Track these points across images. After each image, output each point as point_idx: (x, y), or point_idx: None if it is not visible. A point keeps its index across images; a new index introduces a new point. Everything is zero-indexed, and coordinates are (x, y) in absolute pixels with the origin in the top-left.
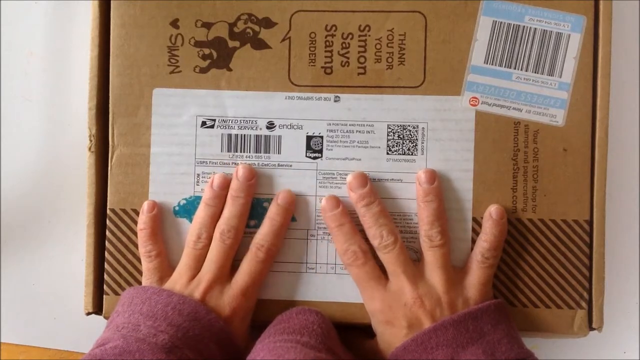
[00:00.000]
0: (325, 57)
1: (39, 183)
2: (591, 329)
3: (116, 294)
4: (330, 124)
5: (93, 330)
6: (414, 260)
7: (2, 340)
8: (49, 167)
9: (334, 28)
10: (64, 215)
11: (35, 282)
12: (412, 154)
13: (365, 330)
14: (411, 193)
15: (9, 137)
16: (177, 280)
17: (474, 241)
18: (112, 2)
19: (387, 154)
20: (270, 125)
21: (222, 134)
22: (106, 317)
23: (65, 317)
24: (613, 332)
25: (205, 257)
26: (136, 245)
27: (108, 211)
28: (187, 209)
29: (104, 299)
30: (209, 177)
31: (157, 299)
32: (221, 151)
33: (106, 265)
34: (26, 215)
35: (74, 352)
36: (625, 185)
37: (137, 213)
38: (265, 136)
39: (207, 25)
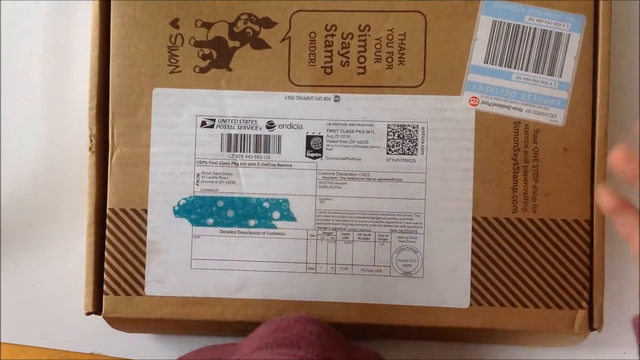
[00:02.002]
0: (325, 56)
1: (39, 183)
2: (591, 329)
3: (115, 294)
4: (330, 124)
5: (93, 330)
6: (412, 260)
7: (2, 340)
8: (48, 167)
9: (334, 28)
10: (64, 215)
11: (35, 282)
12: (412, 154)
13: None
14: (411, 192)
15: (9, 137)
16: None
17: (474, 241)
18: (112, 2)
19: (387, 153)
20: (270, 125)
21: (221, 134)
22: (105, 317)
23: (65, 317)
24: (613, 332)
25: None
26: (135, 245)
27: (108, 211)
28: (187, 209)
29: (103, 299)
30: (209, 177)
31: None
32: (221, 151)
33: (106, 265)
34: (26, 215)
35: (74, 352)
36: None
37: (137, 213)
38: (265, 136)
39: (207, 25)
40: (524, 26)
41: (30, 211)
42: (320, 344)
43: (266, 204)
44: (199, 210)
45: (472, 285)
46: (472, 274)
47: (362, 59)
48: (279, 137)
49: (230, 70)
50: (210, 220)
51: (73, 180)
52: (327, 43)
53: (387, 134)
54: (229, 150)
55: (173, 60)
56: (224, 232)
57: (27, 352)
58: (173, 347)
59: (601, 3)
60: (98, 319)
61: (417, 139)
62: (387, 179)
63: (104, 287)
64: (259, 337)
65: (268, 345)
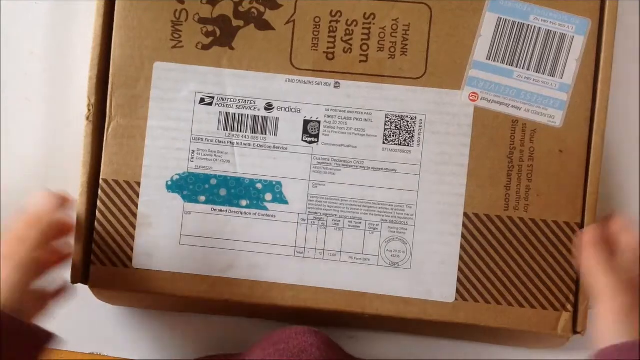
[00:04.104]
0: (328, 42)
1: (39, 183)
2: (574, 332)
3: (103, 264)
4: (328, 110)
5: (93, 329)
6: (400, 251)
7: None
8: (48, 167)
9: (339, 14)
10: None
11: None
12: (408, 145)
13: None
14: (404, 183)
15: (9, 137)
16: None
17: (464, 236)
18: None
19: (383, 143)
20: (269, 107)
21: (219, 112)
22: (91, 287)
23: (65, 317)
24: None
25: None
26: (126, 217)
27: (100, 181)
28: (180, 184)
29: (90, 269)
30: (204, 154)
31: None
32: (218, 129)
33: (95, 236)
34: None
35: (74, 352)
36: (624, 188)
37: (130, 185)
38: (263, 117)
39: (212, 3)
40: (528, 25)
41: None
42: (320, 355)
43: (259, 185)
44: (191, 187)
45: (459, 280)
46: (460, 269)
47: (365, 47)
48: (277, 119)
49: (232, 49)
50: (202, 198)
51: (72, 180)
52: (331, 29)
53: (385, 124)
54: (225, 129)
55: (176, 35)
56: (215, 210)
57: None
58: (173, 347)
59: (607, 4)
60: (98, 317)
61: (414, 131)
62: (382, 169)
63: (92, 257)
64: (260, 349)
65: (269, 357)
